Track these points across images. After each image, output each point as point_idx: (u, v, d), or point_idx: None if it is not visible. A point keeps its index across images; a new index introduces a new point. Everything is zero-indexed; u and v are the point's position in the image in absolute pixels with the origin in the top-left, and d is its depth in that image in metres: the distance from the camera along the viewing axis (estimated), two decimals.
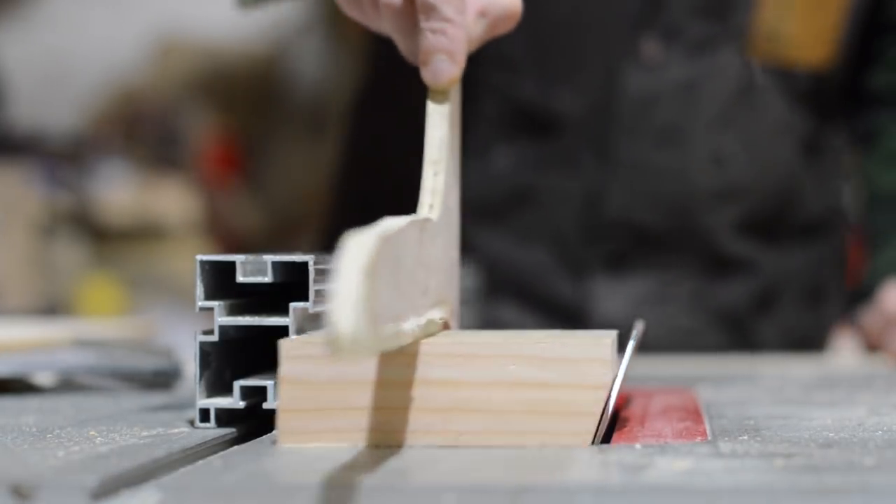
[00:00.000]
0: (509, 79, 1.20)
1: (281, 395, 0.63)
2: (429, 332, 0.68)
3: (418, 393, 0.63)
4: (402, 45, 0.79)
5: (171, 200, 3.36)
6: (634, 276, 1.19)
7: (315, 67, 3.56)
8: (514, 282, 1.21)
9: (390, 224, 0.60)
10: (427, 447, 0.62)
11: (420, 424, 0.62)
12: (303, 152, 3.54)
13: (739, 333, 1.22)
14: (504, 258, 1.21)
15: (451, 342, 0.65)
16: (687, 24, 1.18)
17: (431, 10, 0.74)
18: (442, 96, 0.77)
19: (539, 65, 1.19)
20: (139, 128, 3.51)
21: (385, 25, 0.78)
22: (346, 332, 0.49)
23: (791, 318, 1.24)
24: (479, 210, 1.20)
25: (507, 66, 1.20)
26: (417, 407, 0.63)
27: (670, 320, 1.20)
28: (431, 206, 0.73)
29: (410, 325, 0.63)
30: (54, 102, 3.54)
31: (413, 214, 0.70)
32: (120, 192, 3.35)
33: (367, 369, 0.62)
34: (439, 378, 0.63)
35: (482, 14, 0.77)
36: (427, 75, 0.76)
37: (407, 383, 0.63)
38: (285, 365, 0.63)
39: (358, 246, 0.52)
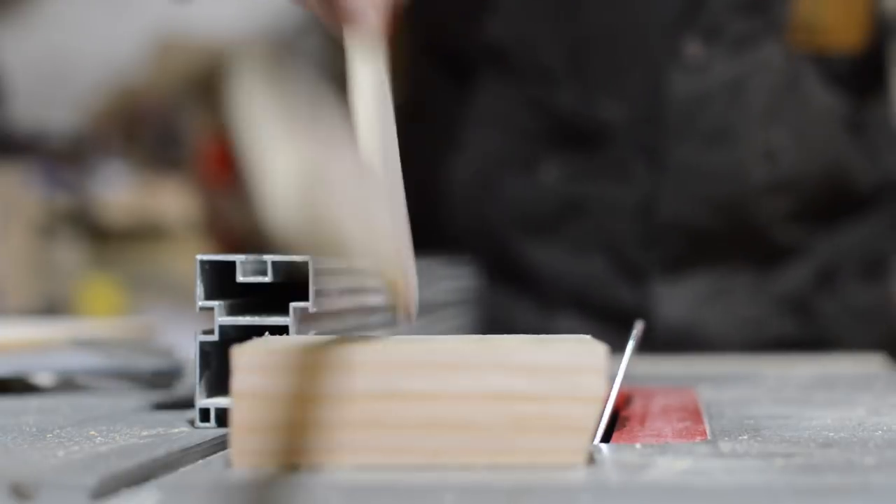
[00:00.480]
0: (550, 91, 1.20)
1: (234, 410, 0.56)
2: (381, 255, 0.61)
3: (391, 407, 0.56)
4: (319, 11, 0.73)
5: (171, 200, 3.36)
6: (692, 276, 1.20)
7: (315, 67, 3.56)
8: (573, 292, 1.21)
9: None
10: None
11: (393, 442, 0.56)
12: None
13: (804, 314, 1.22)
14: (561, 270, 1.21)
15: (427, 349, 0.58)
16: (727, 22, 1.18)
17: None
18: (369, 58, 0.69)
19: (580, 75, 1.19)
20: (139, 128, 3.51)
21: None
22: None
23: (853, 293, 1.24)
24: (531, 224, 1.21)
25: (547, 78, 1.19)
26: (390, 423, 0.56)
27: (733, 313, 1.20)
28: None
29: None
30: (54, 102, 3.53)
31: None
32: (120, 192, 3.35)
33: (334, 381, 0.56)
34: (415, 390, 0.56)
35: None
36: (349, 32, 0.70)
37: (378, 396, 0.56)
38: (239, 377, 0.56)
39: None
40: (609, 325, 1.18)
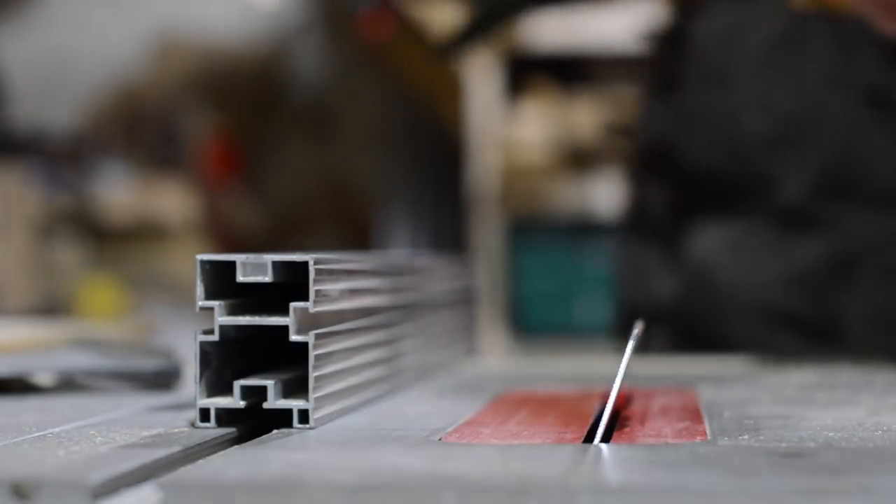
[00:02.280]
0: None
1: None
2: None
3: None
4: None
5: (171, 200, 3.36)
6: (718, 219, 1.23)
7: (315, 67, 3.56)
8: None
9: None
10: (422, 444, 0.61)
11: None
12: (303, 152, 3.54)
13: (816, 297, 1.20)
14: None
15: None
16: None
17: None
18: None
19: None
20: (139, 127, 3.51)
21: None
22: None
23: (876, 296, 1.20)
24: None
25: None
26: None
27: (750, 271, 1.20)
28: None
29: None
30: (54, 102, 3.53)
31: None
32: (120, 192, 3.35)
33: None
34: None
35: None
36: None
37: None
38: None
39: None
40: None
